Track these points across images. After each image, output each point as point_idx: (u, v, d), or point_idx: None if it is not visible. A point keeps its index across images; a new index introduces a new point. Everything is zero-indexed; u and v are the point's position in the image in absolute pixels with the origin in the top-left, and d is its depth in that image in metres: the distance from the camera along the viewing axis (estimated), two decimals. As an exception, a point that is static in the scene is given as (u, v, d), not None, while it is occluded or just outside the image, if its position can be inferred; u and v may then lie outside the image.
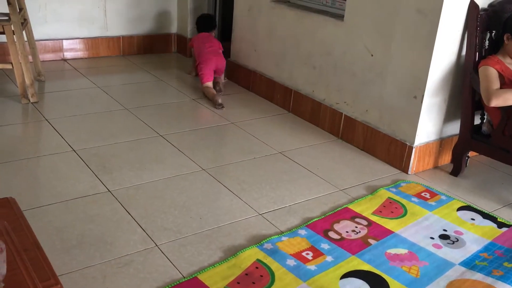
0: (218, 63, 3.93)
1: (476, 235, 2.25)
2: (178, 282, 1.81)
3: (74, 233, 2.04)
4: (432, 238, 2.20)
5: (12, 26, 3.21)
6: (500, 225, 2.34)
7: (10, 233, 1.21)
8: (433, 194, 2.58)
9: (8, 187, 2.34)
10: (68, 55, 4.39)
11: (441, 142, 2.88)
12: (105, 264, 1.88)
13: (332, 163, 2.87)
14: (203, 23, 4.22)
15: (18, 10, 3.32)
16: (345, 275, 1.92)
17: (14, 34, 3.23)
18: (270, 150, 2.97)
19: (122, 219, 2.17)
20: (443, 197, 2.55)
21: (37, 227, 2.02)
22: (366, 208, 2.40)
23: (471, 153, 2.89)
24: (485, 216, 2.42)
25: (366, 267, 1.97)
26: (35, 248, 1.19)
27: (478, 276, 1.96)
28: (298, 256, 2.00)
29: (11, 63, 3.27)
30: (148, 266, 1.89)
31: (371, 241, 2.14)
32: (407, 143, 2.78)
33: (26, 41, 3.59)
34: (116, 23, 4.54)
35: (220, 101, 3.56)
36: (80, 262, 1.88)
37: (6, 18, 3.25)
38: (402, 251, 2.09)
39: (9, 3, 3.17)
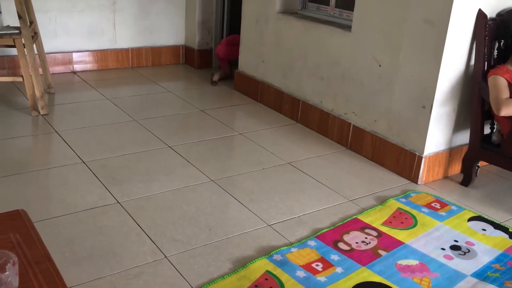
0: (219, 52, 4.48)
1: (487, 246, 2.23)
2: (187, 294, 1.81)
3: (84, 245, 2.05)
4: (443, 249, 2.19)
5: (22, 39, 3.25)
6: (512, 235, 2.32)
7: (22, 246, 1.21)
8: (443, 205, 2.56)
9: (19, 199, 2.36)
10: (77, 67, 4.43)
11: (451, 152, 2.87)
12: (114, 276, 1.88)
13: (341, 173, 2.86)
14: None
15: (29, 24, 3.36)
16: (356, 287, 1.90)
17: (24, 47, 3.27)
18: (279, 160, 2.96)
19: (132, 231, 2.17)
20: (453, 208, 2.54)
21: (48, 239, 2.02)
22: (375, 218, 2.38)
23: (481, 163, 2.87)
24: (497, 226, 2.39)
25: (376, 278, 1.96)
26: (46, 260, 1.19)
27: (491, 288, 1.94)
28: (307, 267, 1.99)
29: (22, 75, 3.31)
30: (158, 278, 1.89)
31: (381, 252, 2.13)
32: (417, 153, 2.77)
33: (36, 54, 3.63)
34: (124, 35, 4.58)
35: (214, 78, 4.34)
36: (90, 274, 1.88)
37: (17, 31, 3.29)
38: (413, 262, 2.08)
39: (20, 17, 3.22)
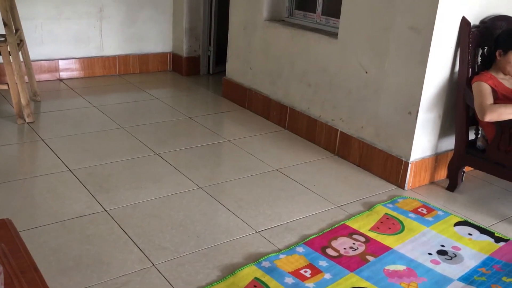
0: None
1: (474, 250, 2.25)
2: (176, 302, 1.80)
3: (70, 254, 2.03)
4: (430, 254, 2.20)
5: (8, 47, 3.23)
6: (498, 239, 2.35)
7: (7, 255, 1.20)
8: (430, 210, 2.58)
9: (4, 208, 2.33)
10: (64, 75, 4.41)
11: (437, 157, 2.90)
12: (102, 285, 1.86)
13: (328, 179, 2.88)
14: None
15: (14, 31, 3.34)
16: (344, 293, 1.91)
17: (10, 55, 3.25)
18: (267, 167, 2.97)
19: (119, 239, 2.16)
20: (440, 213, 2.56)
21: (34, 248, 2.00)
22: (363, 224, 2.39)
23: (466, 168, 2.91)
24: (482, 231, 2.42)
25: (365, 284, 1.96)
26: (32, 270, 1.18)
27: (477, 292, 1.96)
28: (296, 274, 1.99)
29: (7, 83, 3.28)
30: (146, 286, 1.88)
31: (369, 257, 2.14)
32: (403, 159, 2.79)
33: (22, 62, 3.60)
34: (111, 42, 4.57)
35: None
36: (77, 283, 1.86)
37: (3, 39, 3.27)
38: (400, 267, 2.09)
39: (5, 24, 3.20)
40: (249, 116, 3.84)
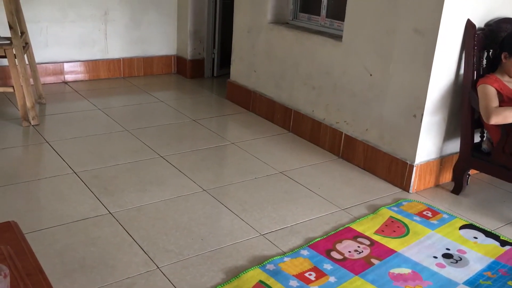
0: None
1: (479, 254, 2.24)
2: (180, 305, 1.79)
3: (75, 256, 2.03)
4: (435, 257, 2.19)
5: (13, 49, 3.24)
6: (503, 243, 2.33)
7: (13, 258, 1.20)
8: (435, 213, 2.57)
9: (10, 210, 2.34)
10: (69, 77, 4.42)
11: (442, 160, 2.89)
12: (107, 287, 1.87)
13: (333, 182, 2.87)
14: None
15: (20, 34, 3.36)
16: (349, 296, 1.90)
17: (15, 58, 3.26)
18: (271, 170, 2.97)
19: (124, 241, 2.16)
20: (445, 216, 2.55)
21: (39, 251, 2.00)
22: (368, 227, 2.39)
23: (471, 171, 2.89)
24: (488, 234, 2.41)
25: (369, 287, 1.96)
26: (38, 272, 1.18)
27: (483, 296, 1.95)
28: (300, 277, 1.98)
29: (13, 86, 3.29)
30: (150, 289, 1.88)
31: (374, 261, 2.13)
32: (408, 162, 2.79)
33: (27, 65, 3.62)
34: (116, 45, 4.58)
35: None
36: (82, 285, 1.86)
37: (8, 42, 3.28)
38: (405, 270, 2.08)
39: (10, 27, 3.21)
40: (253, 119, 3.84)
